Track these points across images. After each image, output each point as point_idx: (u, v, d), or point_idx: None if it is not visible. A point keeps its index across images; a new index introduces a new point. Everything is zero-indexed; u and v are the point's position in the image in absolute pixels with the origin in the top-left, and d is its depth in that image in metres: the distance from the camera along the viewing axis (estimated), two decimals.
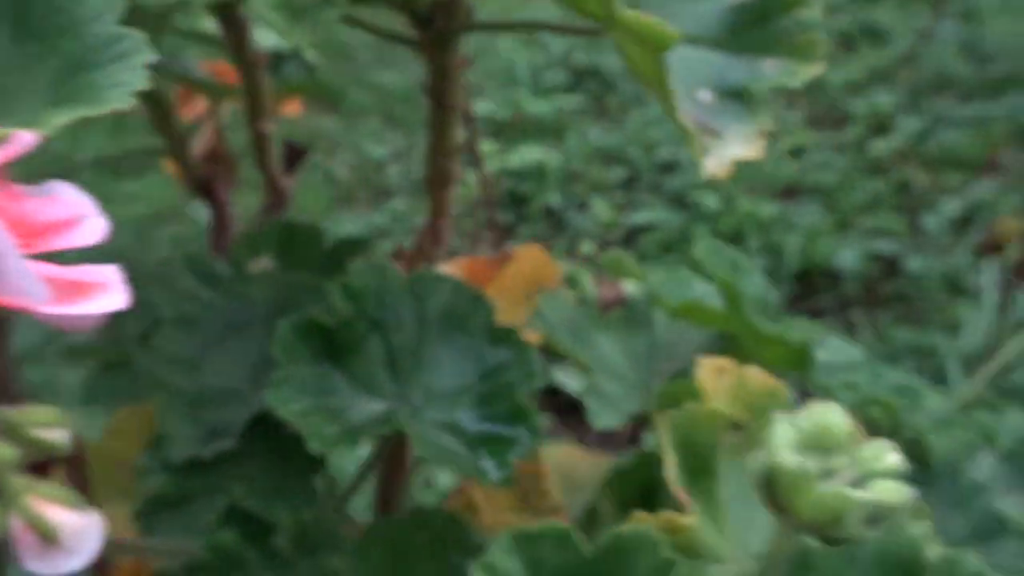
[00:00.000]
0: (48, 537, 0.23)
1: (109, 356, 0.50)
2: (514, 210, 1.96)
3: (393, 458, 0.46)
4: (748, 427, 0.34)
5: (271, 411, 0.42)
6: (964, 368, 1.38)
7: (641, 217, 1.87)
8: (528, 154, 1.99)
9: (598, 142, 2.09)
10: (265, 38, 0.53)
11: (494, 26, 0.64)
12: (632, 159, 2.03)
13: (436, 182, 0.53)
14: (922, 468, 0.46)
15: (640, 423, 0.52)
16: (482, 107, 2.11)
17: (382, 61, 2.44)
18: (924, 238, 1.77)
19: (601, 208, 1.91)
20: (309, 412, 0.38)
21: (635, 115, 2.17)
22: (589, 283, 0.52)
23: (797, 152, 1.97)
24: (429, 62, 0.49)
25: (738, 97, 0.38)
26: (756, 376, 0.35)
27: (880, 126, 2.02)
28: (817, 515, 0.26)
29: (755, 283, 0.50)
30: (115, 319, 0.24)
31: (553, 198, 1.93)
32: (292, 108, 0.73)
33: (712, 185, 1.87)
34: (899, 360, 1.47)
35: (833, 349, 0.54)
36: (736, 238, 1.72)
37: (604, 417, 0.47)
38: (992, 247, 1.60)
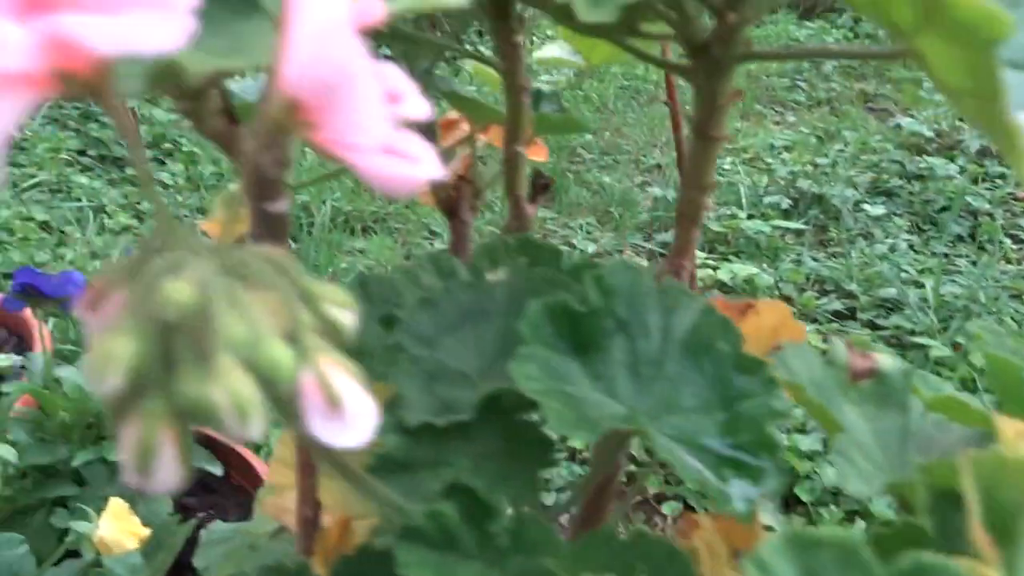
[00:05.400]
0: (333, 402, 0.23)
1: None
2: None
3: (607, 469, 0.44)
4: None
5: (505, 395, 0.41)
6: None
7: None
8: (740, 269, 1.94)
9: (814, 269, 2.01)
10: (547, 51, 0.55)
11: (772, 55, 0.63)
12: (851, 292, 1.93)
13: (687, 216, 0.51)
14: None
15: None
16: None
17: (602, 166, 2.51)
18: None
19: (811, 337, 1.82)
20: (550, 392, 0.36)
21: (860, 247, 2.08)
22: (840, 347, 0.48)
23: None
24: (698, 92, 0.49)
25: None
26: None
27: None
28: None
29: None
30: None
31: None
32: (538, 153, 0.75)
33: (943, 330, 1.73)
34: None
35: None
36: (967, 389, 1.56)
37: (855, 484, 0.42)
38: None
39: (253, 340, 0.23)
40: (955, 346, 1.70)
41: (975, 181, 2.33)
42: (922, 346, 1.70)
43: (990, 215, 2.21)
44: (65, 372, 1.19)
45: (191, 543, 0.62)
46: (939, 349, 1.66)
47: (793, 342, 0.47)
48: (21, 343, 1.55)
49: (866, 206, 2.26)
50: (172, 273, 0.23)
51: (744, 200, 2.26)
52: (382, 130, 0.20)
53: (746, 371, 0.40)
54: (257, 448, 1.53)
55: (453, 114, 0.69)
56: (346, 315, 0.26)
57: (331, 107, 0.20)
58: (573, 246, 2.22)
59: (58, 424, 1.16)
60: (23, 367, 1.33)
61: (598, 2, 0.36)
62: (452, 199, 0.68)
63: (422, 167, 0.22)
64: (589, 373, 0.39)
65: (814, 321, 1.88)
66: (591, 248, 2.20)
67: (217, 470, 1.18)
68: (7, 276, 1.84)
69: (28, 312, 1.50)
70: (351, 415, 0.23)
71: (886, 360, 0.49)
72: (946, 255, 2.07)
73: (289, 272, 0.25)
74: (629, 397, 0.39)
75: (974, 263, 2.02)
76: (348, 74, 0.19)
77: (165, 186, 2.25)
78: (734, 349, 0.41)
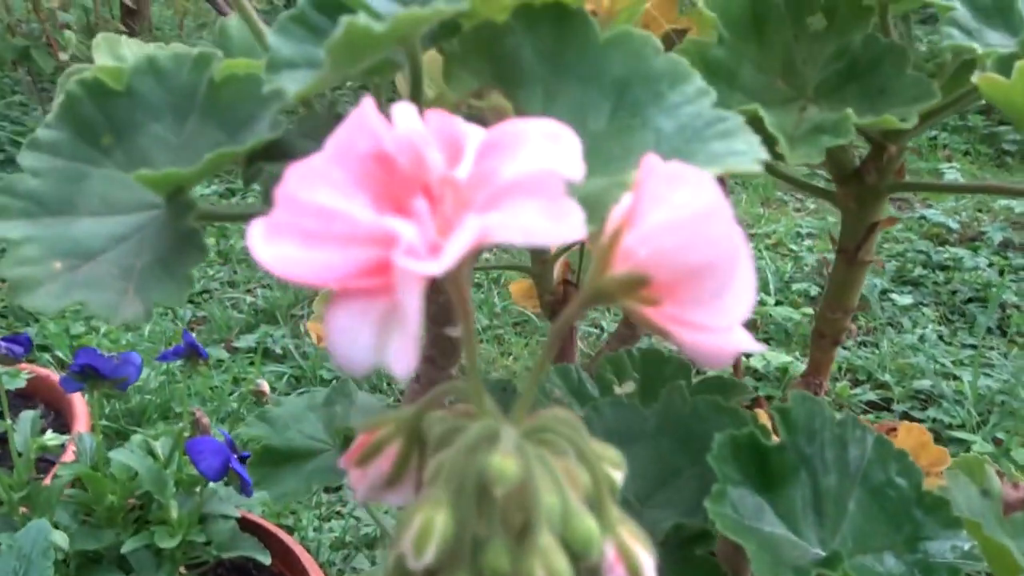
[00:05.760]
0: (633, 572, 0.22)
1: None
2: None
3: None
4: None
5: (681, 527, 0.40)
6: None
7: None
8: (773, 357, 1.94)
9: (846, 358, 2.00)
10: None
11: (928, 187, 0.64)
12: (884, 383, 1.92)
13: (827, 336, 0.51)
14: None
15: None
16: None
17: None
18: None
19: None
20: (747, 532, 0.36)
21: (890, 337, 2.08)
22: (993, 476, 0.47)
23: None
24: (847, 217, 0.50)
25: None
26: None
27: None
28: None
29: None
30: None
31: None
32: None
33: (981, 423, 1.72)
34: None
35: None
36: None
37: None
38: None
39: (567, 512, 0.23)
40: (996, 441, 1.69)
41: (1001, 273, 2.35)
42: (963, 440, 1.68)
43: (1017, 307, 2.22)
44: (113, 453, 1.17)
45: None
46: (981, 445, 1.65)
47: (953, 473, 0.47)
48: (59, 418, 1.54)
49: (893, 295, 2.27)
50: (489, 443, 0.23)
51: (771, 286, 2.27)
52: (745, 312, 0.20)
53: (929, 510, 0.39)
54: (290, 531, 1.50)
55: None
56: (618, 475, 0.26)
57: (689, 288, 0.20)
58: (601, 328, 2.22)
59: (105, 508, 1.14)
60: (62, 445, 1.31)
61: (806, 141, 0.37)
62: (556, 303, 0.68)
63: (741, 340, 0.22)
64: (778, 510, 0.38)
65: (851, 412, 1.86)
66: (616, 327, 2.19)
67: (265, 559, 1.15)
68: (43, 348, 1.83)
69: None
70: None
71: None
72: (974, 346, 2.07)
73: (576, 434, 0.25)
74: (815, 537, 0.38)
75: (1005, 355, 2.02)
76: (725, 261, 0.20)
77: None
78: (913, 485, 0.40)
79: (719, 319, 0.20)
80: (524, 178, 0.18)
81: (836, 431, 0.41)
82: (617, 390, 0.57)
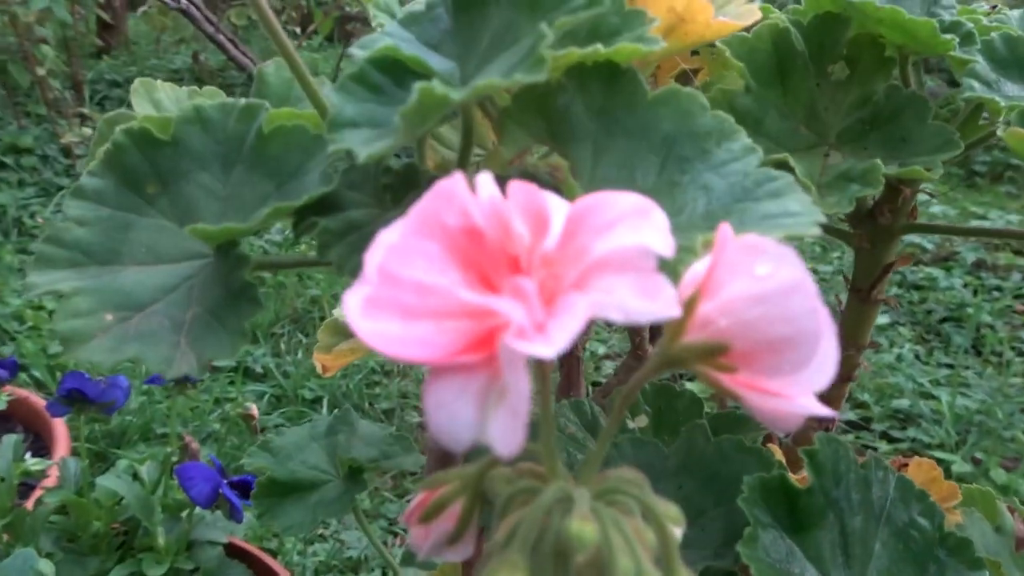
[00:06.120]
0: None
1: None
2: None
3: None
4: None
5: (709, 571, 0.40)
6: None
7: None
8: None
9: None
10: None
11: (942, 229, 0.65)
12: (864, 402, 1.95)
13: (840, 373, 0.52)
14: None
15: None
16: None
17: None
18: None
19: None
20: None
21: (867, 356, 2.11)
22: (1005, 512, 0.48)
23: None
24: (860, 256, 0.51)
25: None
26: None
27: None
28: None
29: None
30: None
31: None
32: None
33: (960, 443, 1.75)
34: None
35: None
36: None
37: None
38: None
39: (640, 574, 0.23)
40: (975, 460, 1.72)
41: (975, 293, 2.40)
42: (942, 460, 1.71)
43: (991, 327, 2.26)
44: (100, 479, 1.15)
45: None
46: (960, 465, 1.67)
47: (968, 511, 0.47)
48: (38, 441, 1.51)
49: None
50: (564, 506, 0.23)
51: None
52: (825, 384, 0.21)
53: (952, 551, 0.40)
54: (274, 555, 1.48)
55: None
56: (678, 531, 0.26)
57: (769, 359, 0.21)
58: (584, 348, 2.22)
59: (90, 535, 1.12)
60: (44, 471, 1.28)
61: (835, 189, 0.38)
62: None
63: (812, 405, 0.22)
64: (808, 553, 0.39)
65: (826, 431, 1.88)
66: (601, 350, 2.21)
67: None
68: (21, 368, 1.79)
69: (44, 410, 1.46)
70: None
71: None
72: (950, 366, 2.10)
73: (643, 493, 0.25)
74: None
75: (980, 375, 2.05)
76: (808, 336, 0.20)
77: None
78: (936, 525, 0.41)
79: (797, 390, 0.21)
80: (617, 254, 0.19)
81: (860, 472, 0.42)
82: (630, 424, 0.57)
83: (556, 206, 0.21)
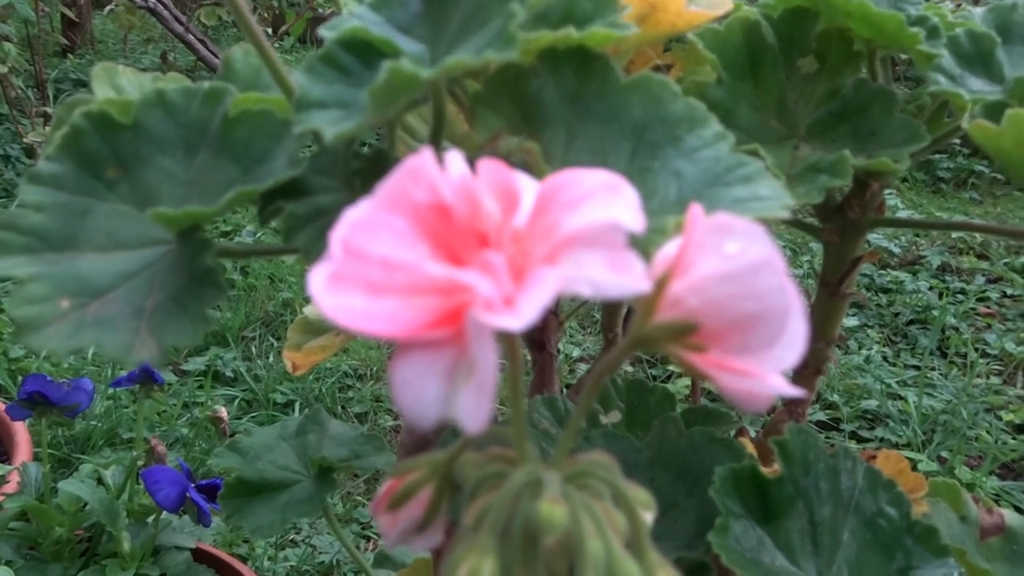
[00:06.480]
0: None
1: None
2: None
3: None
4: None
5: (679, 560, 0.40)
6: None
7: None
8: None
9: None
10: None
11: (910, 224, 0.66)
12: (833, 403, 1.97)
13: (810, 366, 0.53)
14: None
15: None
16: None
17: None
18: None
19: None
20: (749, 565, 0.36)
21: (838, 357, 2.13)
22: (970, 502, 0.49)
23: None
24: (828, 251, 0.51)
25: None
26: None
27: None
28: None
29: None
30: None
31: None
32: None
33: (926, 442, 1.77)
34: None
35: None
36: None
37: None
38: None
39: (611, 558, 0.23)
40: (940, 460, 1.74)
41: (940, 296, 2.43)
42: (909, 459, 1.73)
43: (956, 329, 2.30)
44: (63, 484, 1.13)
45: None
46: (926, 464, 1.69)
47: (934, 501, 0.48)
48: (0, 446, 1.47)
49: None
50: (534, 490, 0.23)
51: None
52: (795, 361, 0.20)
53: (919, 539, 0.40)
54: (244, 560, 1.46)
55: None
56: (648, 516, 0.26)
57: (739, 336, 0.21)
58: (558, 350, 2.22)
59: (52, 541, 1.09)
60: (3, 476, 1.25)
61: (804, 180, 0.38)
62: (539, 332, 0.68)
63: (780, 384, 0.22)
64: (778, 542, 0.39)
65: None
66: (575, 352, 2.21)
67: None
68: None
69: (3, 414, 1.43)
70: None
71: (1013, 517, 0.50)
72: (917, 367, 2.13)
73: (614, 477, 0.25)
74: (814, 568, 0.39)
75: (945, 376, 2.08)
76: (777, 312, 0.20)
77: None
78: (903, 514, 0.41)
79: (767, 367, 0.21)
80: (587, 230, 0.19)
81: (829, 462, 0.42)
82: (603, 419, 0.57)
83: (526, 184, 0.20)
